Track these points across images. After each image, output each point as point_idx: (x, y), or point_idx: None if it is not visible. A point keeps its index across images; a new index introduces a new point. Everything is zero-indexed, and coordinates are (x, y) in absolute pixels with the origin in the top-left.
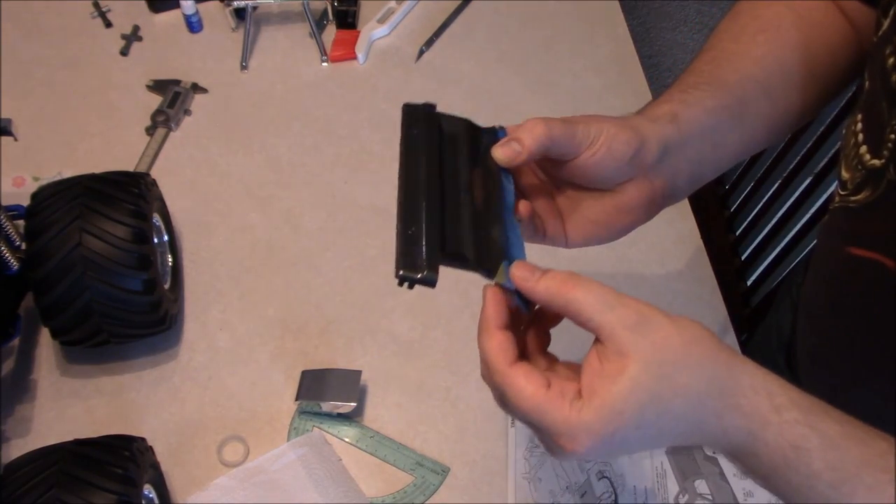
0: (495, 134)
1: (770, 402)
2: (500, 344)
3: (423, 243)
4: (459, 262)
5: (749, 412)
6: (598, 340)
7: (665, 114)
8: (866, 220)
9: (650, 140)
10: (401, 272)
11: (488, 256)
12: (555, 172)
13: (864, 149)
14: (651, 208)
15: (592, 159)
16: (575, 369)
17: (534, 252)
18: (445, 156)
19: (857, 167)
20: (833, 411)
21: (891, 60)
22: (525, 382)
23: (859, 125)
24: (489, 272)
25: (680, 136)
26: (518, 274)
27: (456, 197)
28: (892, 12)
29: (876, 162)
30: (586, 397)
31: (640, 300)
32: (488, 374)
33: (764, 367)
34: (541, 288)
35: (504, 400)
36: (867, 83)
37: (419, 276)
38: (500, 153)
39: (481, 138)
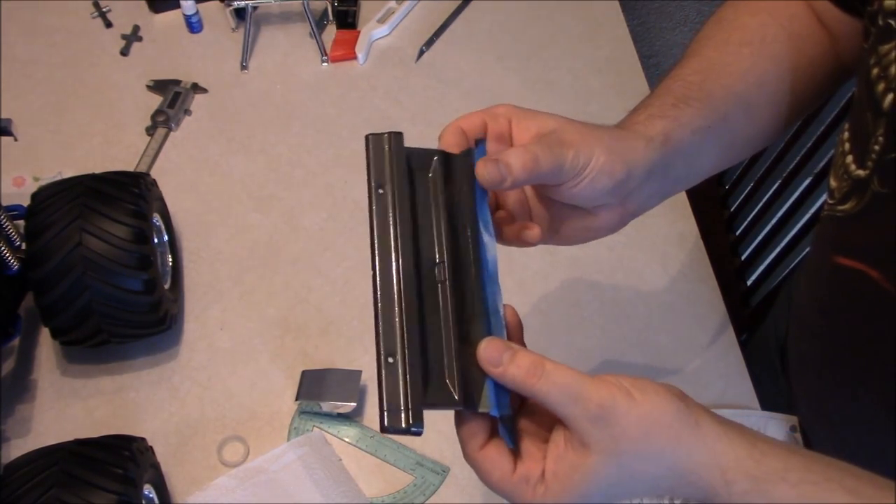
0: (471, 155)
1: (722, 478)
2: (470, 429)
3: (406, 386)
4: (443, 402)
5: (700, 486)
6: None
7: (659, 133)
8: (852, 230)
9: (637, 170)
10: (386, 424)
11: (472, 377)
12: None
13: (849, 158)
14: (617, 227)
15: (573, 190)
16: (541, 437)
17: (533, 255)
18: (419, 215)
19: (844, 177)
20: (792, 473)
21: (875, 71)
22: (491, 468)
23: (846, 134)
24: (473, 405)
25: (665, 160)
26: (486, 358)
27: (434, 288)
28: (879, 22)
29: (861, 172)
30: (549, 481)
31: (605, 383)
32: (464, 454)
33: (763, 366)
34: (507, 379)
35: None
36: (855, 92)
37: (404, 427)
38: (485, 172)
39: (455, 166)
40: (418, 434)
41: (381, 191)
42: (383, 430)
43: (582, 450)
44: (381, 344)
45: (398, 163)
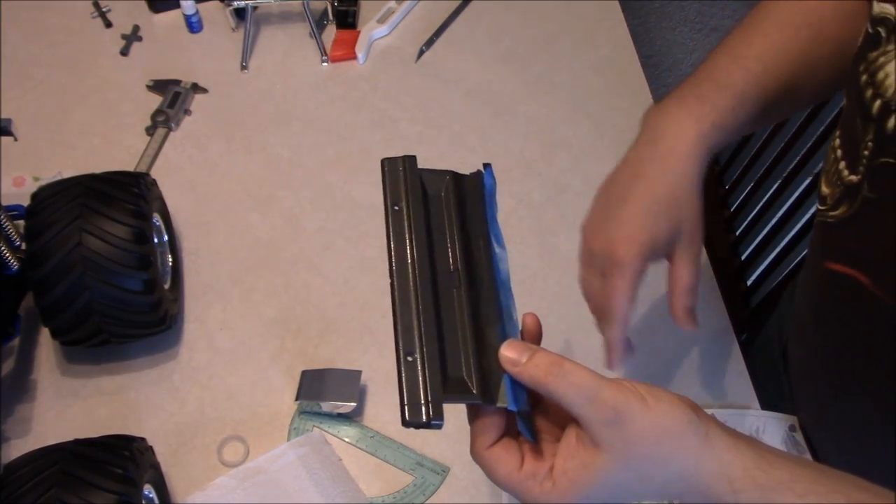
0: (481, 177)
1: (729, 487)
2: (483, 424)
3: (426, 380)
4: (462, 396)
5: (709, 495)
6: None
7: (714, 147)
8: (843, 235)
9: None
10: (407, 418)
11: (489, 374)
12: None
13: (842, 164)
14: None
15: None
16: (553, 435)
17: (533, 255)
18: (433, 229)
19: (836, 183)
20: (799, 484)
21: (864, 77)
22: (496, 465)
23: (838, 141)
24: (491, 400)
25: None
26: (507, 356)
27: (450, 293)
28: (868, 29)
29: (853, 178)
30: (557, 478)
31: (621, 387)
32: (471, 451)
33: (763, 366)
34: (526, 377)
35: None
36: (845, 100)
37: (425, 421)
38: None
39: (465, 187)
40: (438, 427)
41: (396, 207)
42: (405, 423)
43: (593, 449)
44: (401, 344)
45: (412, 182)
